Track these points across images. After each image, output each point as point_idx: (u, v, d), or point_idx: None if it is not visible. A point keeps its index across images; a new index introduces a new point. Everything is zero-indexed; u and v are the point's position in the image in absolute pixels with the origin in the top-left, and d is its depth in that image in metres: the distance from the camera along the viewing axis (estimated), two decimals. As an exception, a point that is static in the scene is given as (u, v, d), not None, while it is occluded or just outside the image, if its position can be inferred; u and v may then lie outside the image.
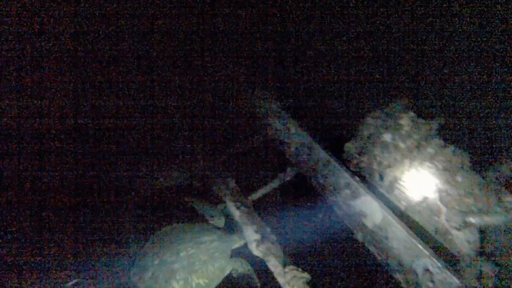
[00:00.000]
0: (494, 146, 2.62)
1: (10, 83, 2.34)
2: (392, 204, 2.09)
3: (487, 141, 2.66)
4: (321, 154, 2.29)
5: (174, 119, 2.89)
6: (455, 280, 1.56)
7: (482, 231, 1.76)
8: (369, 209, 1.96)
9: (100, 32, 2.59)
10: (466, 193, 1.81)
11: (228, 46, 3.13)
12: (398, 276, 1.81)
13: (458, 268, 1.68)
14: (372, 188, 2.12)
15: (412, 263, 1.71)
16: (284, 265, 2.00)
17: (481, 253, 1.73)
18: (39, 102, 2.46)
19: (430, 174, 1.96)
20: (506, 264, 1.62)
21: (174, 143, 2.80)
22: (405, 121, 2.15)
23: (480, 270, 1.60)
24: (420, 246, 1.70)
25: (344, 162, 2.28)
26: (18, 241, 2.19)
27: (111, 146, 2.70)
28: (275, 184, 2.45)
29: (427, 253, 1.67)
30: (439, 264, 1.62)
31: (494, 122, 2.74)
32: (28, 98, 2.41)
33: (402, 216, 2.00)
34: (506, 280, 1.56)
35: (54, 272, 2.11)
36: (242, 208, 2.31)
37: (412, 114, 2.17)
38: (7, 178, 2.34)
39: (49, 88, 2.50)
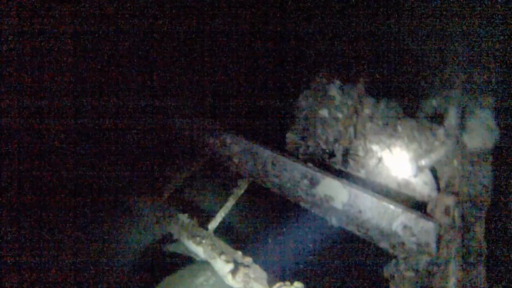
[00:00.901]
0: (414, 88, 2.64)
1: (10, 83, 2.34)
2: (352, 176, 2.10)
3: (408, 85, 2.70)
4: (266, 154, 2.14)
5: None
6: (430, 224, 1.62)
7: (433, 170, 1.90)
8: (333, 191, 1.90)
9: (100, 32, 2.59)
10: (409, 140, 1.93)
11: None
12: (384, 245, 1.81)
13: (429, 211, 1.75)
14: (328, 169, 2.08)
15: (391, 226, 1.73)
16: (270, 285, 1.79)
17: (438, 189, 1.85)
18: (39, 102, 2.46)
19: (375, 134, 2.02)
20: (460, 191, 1.70)
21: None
22: (334, 91, 2.17)
23: (445, 205, 1.67)
24: (392, 207, 1.72)
25: (291, 153, 2.20)
26: (18, 241, 2.19)
27: (111, 146, 2.70)
28: (231, 202, 2.22)
29: (400, 210, 1.70)
30: (413, 216, 1.66)
31: (409, 65, 2.79)
32: (28, 98, 2.41)
33: (365, 184, 2.02)
34: (466, 204, 1.63)
35: (54, 272, 2.11)
36: (204, 241, 2.00)
37: (338, 82, 2.20)
38: (7, 178, 2.34)
39: (49, 88, 2.50)
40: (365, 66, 2.71)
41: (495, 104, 2.00)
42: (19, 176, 2.37)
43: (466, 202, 1.62)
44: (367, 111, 2.09)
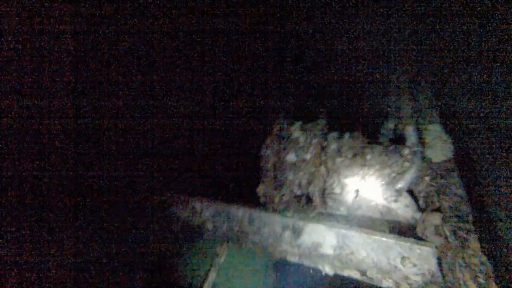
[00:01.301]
0: (372, 113, 2.77)
1: (10, 83, 2.34)
2: (334, 216, 2.04)
3: (364, 113, 2.82)
4: (240, 212, 2.03)
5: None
6: (427, 249, 1.58)
7: (410, 191, 1.90)
8: (320, 236, 1.80)
9: (100, 32, 2.58)
10: (381, 166, 1.92)
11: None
12: (387, 284, 1.71)
13: (420, 234, 1.71)
14: (308, 214, 2.00)
15: (389, 260, 1.65)
16: None
17: (420, 209, 1.85)
18: (39, 102, 2.46)
19: (347, 167, 1.99)
20: (442, 206, 1.71)
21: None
22: (297, 132, 2.14)
23: (433, 225, 1.65)
24: (384, 238, 1.66)
25: (267, 206, 2.09)
26: (18, 241, 2.19)
27: (111, 146, 2.70)
28: (213, 274, 2.07)
29: (393, 240, 1.64)
30: (408, 244, 1.61)
31: (359, 95, 2.95)
32: (28, 98, 2.41)
33: (349, 220, 1.97)
34: (452, 219, 1.62)
35: (54, 272, 2.12)
36: None
37: (299, 122, 2.19)
38: (7, 178, 2.34)
39: (49, 88, 2.49)
40: (321, 102, 2.81)
41: (441, 118, 2.10)
42: (19, 176, 2.38)
43: (451, 217, 1.62)
44: (333, 146, 2.06)
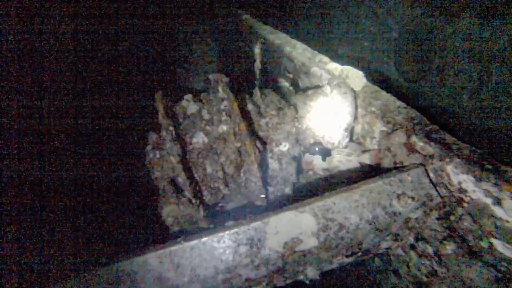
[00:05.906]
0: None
1: (10, 83, 2.34)
2: (292, 197, 1.61)
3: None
4: (154, 261, 1.19)
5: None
6: (415, 171, 1.35)
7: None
8: (293, 228, 1.23)
9: (100, 32, 2.59)
10: (313, 113, 1.71)
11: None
12: (384, 245, 1.38)
13: (387, 165, 1.55)
14: (256, 210, 1.48)
15: (385, 210, 1.27)
16: None
17: (364, 150, 1.75)
18: (39, 102, 2.45)
19: (276, 128, 1.61)
20: (395, 123, 1.59)
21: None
22: (193, 105, 1.56)
23: (401, 145, 1.52)
24: (372, 184, 1.31)
25: (190, 231, 1.44)
26: (18, 241, 2.18)
27: (111, 146, 2.70)
28: None
29: (380, 182, 1.31)
30: (397, 177, 1.31)
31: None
32: (28, 98, 2.41)
33: (311, 191, 1.58)
34: (416, 129, 1.49)
35: (54, 272, 2.10)
36: None
37: (189, 95, 1.66)
38: (7, 178, 2.34)
39: (49, 88, 2.49)
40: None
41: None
42: (19, 176, 2.37)
43: (415, 127, 1.43)
44: (250, 106, 1.58)
